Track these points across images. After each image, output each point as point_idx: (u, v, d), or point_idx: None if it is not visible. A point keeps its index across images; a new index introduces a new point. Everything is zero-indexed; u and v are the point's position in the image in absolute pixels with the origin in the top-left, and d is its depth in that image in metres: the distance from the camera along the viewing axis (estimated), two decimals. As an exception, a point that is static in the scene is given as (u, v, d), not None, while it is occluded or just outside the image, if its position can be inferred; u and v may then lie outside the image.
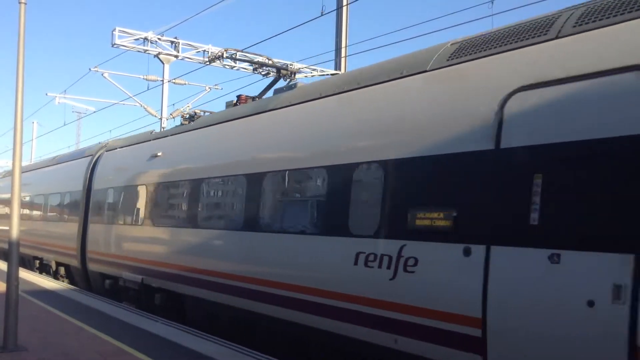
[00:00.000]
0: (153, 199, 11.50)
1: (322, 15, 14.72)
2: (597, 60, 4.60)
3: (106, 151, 15.06)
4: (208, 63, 19.75)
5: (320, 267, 6.93)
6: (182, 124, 12.36)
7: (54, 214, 17.28)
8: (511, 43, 5.60)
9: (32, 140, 41.17)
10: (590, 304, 4.20)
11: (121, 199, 12.89)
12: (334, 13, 22.85)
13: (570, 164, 4.57)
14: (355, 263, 6.29)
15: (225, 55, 14.37)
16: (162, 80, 21.45)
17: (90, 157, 15.58)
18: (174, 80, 21.86)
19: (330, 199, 6.94)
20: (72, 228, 15.26)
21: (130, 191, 12.53)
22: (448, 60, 6.22)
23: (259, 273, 7.96)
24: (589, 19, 4.96)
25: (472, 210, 5.24)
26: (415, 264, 5.63)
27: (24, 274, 15.13)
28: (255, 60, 13.34)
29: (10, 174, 23.74)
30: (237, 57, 14.25)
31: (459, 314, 5.16)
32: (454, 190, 5.47)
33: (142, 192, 11.94)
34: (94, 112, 53.25)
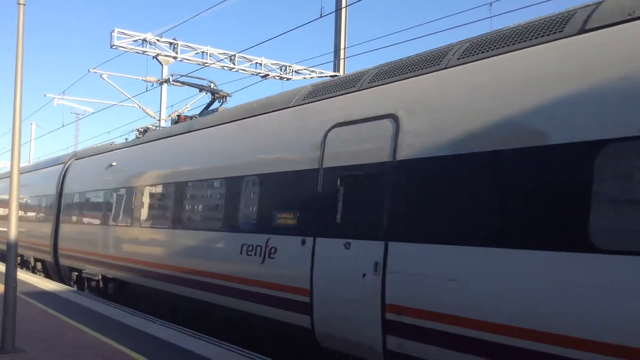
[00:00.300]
0: (107, 203, 13.37)
1: (321, 17, 14.75)
2: (374, 108, 6.65)
3: (75, 160, 16.93)
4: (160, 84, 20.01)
5: (219, 256, 8.90)
6: (137, 137, 14.29)
7: (33, 214, 18.83)
8: (337, 90, 7.66)
9: (31, 141, 41.17)
10: (363, 275, 6.11)
11: (84, 202, 14.91)
12: (333, 15, 22.88)
13: (353, 180, 6.56)
14: (240, 252, 8.17)
15: (171, 80, 16.42)
16: (161, 82, 21.45)
17: (62, 165, 17.43)
18: (172, 82, 21.87)
19: (228, 203, 8.92)
20: (47, 228, 16.90)
21: (90, 195, 14.54)
22: (304, 99, 8.23)
23: (179, 262, 9.96)
24: (376, 79, 7.10)
25: (306, 212, 7.19)
26: (275, 252, 7.52)
27: (23, 275, 15.09)
28: (194, 83, 14.22)
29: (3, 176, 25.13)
30: (182, 80, 15.58)
31: (298, 286, 7.01)
32: (297, 198, 7.42)
33: (100, 196, 13.86)
34: (93, 113, 53.23)
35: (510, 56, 5.54)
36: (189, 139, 10.95)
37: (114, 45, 19.79)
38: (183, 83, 15.46)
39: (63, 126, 63.61)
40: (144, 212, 11.74)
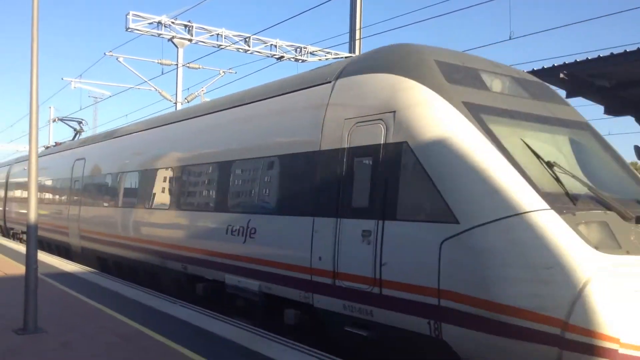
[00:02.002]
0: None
1: (336, -4, 14.61)
2: None
3: (15, 164, 25.52)
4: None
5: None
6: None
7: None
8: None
9: (49, 124, 41.49)
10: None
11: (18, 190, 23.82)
12: (348, -6, 22.64)
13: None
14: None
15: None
16: (177, 64, 21.45)
17: (7, 166, 26.85)
18: (188, 64, 21.84)
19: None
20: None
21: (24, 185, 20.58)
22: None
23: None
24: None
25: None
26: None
27: (43, 256, 15.30)
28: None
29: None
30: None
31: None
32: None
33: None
34: (110, 96, 53.39)
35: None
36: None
37: (129, 28, 19.77)
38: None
39: (80, 109, 64.11)
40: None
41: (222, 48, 21.74)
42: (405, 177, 6.23)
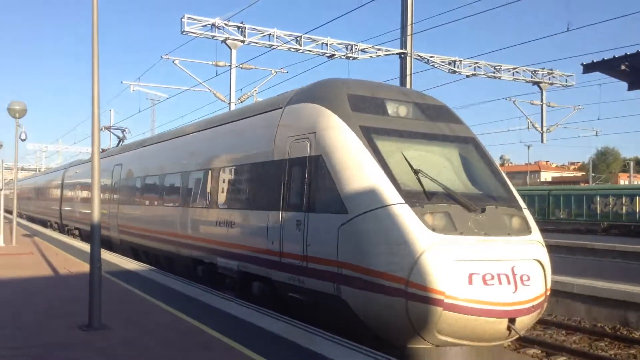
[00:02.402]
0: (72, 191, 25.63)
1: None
2: None
3: (69, 167, 30.01)
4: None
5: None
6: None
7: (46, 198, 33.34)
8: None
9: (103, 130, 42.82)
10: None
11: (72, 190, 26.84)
12: (399, -10, 22.41)
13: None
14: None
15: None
16: (230, 66, 21.79)
17: (63, 170, 31.06)
18: (241, 65, 22.16)
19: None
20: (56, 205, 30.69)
21: (77, 186, 25.62)
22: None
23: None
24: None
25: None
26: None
27: (106, 255, 15.87)
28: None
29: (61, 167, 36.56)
30: None
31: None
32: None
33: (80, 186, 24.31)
34: (167, 98, 54.76)
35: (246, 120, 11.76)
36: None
37: (184, 31, 20.24)
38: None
39: (139, 112, 66.55)
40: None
41: (274, 48, 21.96)
42: (320, 181, 8.37)
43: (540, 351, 10.05)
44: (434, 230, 7.21)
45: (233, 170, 11.49)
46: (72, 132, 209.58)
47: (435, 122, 9.23)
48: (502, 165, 38.21)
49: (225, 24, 21.00)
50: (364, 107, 8.84)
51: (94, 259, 7.61)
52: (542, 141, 35.11)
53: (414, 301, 6.92)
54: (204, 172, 12.57)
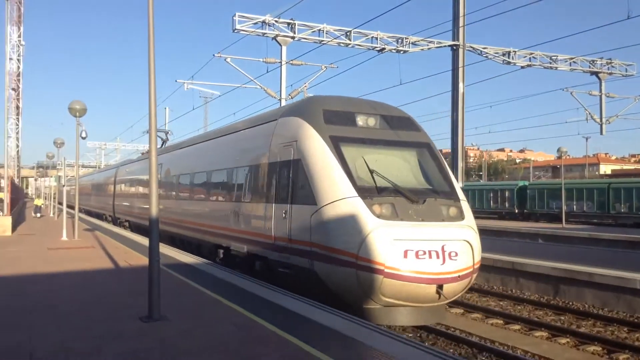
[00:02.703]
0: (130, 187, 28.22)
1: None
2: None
3: (121, 166, 34.09)
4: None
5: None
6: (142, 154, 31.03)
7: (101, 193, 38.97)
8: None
9: (165, 124, 43.96)
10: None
11: (123, 187, 30.67)
12: (451, -19, 22.05)
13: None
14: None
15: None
16: (280, 62, 21.95)
17: (115, 168, 36.02)
18: (291, 62, 22.29)
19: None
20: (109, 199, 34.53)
21: (127, 183, 29.62)
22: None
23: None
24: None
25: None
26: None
27: (163, 249, 16.31)
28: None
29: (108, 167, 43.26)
30: None
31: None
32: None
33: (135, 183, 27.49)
34: (219, 96, 55.69)
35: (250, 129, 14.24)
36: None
37: (235, 29, 20.53)
38: None
39: (193, 109, 68.03)
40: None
41: (323, 43, 22.00)
42: (299, 180, 10.59)
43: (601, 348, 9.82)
44: (379, 217, 9.36)
45: (241, 171, 13.82)
46: (129, 129, 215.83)
47: (398, 130, 11.31)
48: (559, 158, 37.06)
49: (276, 21, 21.17)
50: (336, 120, 10.91)
51: (153, 253, 7.84)
52: (601, 133, 33.88)
53: (362, 271, 9.18)
54: (219, 173, 15.40)
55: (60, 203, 45.40)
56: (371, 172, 10.06)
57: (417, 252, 9.13)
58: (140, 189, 26.14)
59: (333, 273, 9.66)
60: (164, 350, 6.23)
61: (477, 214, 46.18)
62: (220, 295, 9.57)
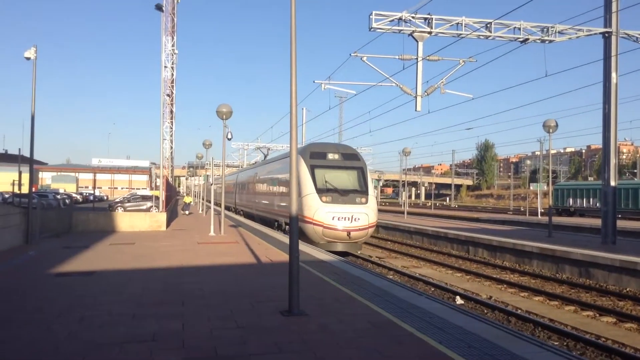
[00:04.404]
0: (246, 187, 41.50)
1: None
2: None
3: (239, 172, 49.05)
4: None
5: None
6: (265, 158, 51.28)
7: (230, 192, 50.42)
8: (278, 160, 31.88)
9: (303, 125, 45.32)
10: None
11: (239, 187, 46.07)
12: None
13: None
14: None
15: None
16: (417, 58, 21.64)
17: (237, 172, 51.65)
18: (427, 57, 21.89)
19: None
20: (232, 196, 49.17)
21: (240, 184, 45.41)
22: (264, 160, 43.85)
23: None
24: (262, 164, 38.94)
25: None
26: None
27: (301, 246, 16.84)
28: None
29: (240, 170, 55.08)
30: None
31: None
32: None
33: (249, 183, 39.91)
34: (355, 95, 56.30)
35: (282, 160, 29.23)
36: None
37: (372, 27, 20.55)
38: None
39: (329, 109, 69.55)
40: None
41: (462, 37, 21.33)
42: (299, 183, 20.20)
43: None
44: (324, 202, 21.24)
45: (278, 180, 27.45)
46: (269, 130, 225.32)
47: (346, 160, 22.92)
48: None
49: (413, 17, 20.88)
50: (315, 156, 22.55)
51: (293, 249, 8.07)
52: None
53: (315, 225, 20.96)
54: (274, 180, 28.47)
55: (209, 201, 49.64)
56: (325, 181, 21.90)
57: (339, 217, 21.07)
58: (247, 188, 39.92)
59: (304, 227, 21.27)
60: (305, 345, 6.38)
61: (631, 215, 42.34)
62: (356, 292, 9.64)
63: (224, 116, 20.64)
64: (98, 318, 7.65)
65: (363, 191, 21.62)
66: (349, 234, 20.60)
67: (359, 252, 22.14)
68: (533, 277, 17.35)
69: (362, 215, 20.93)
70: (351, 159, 22.69)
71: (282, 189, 26.18)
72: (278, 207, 26.60)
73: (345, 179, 21.92)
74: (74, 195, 61.09)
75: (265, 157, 44.33)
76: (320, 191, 21.02)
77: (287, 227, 21.39)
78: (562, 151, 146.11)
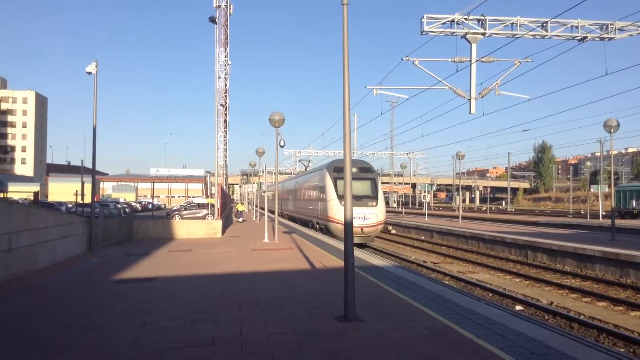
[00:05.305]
0: (289, 194, 48.91)
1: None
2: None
3: (284, 182, 57.21)
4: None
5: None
6: (306, 168, 57.00)
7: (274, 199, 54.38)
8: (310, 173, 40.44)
9: (354, 131, 45.32)
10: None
11: (282, 194, 55.38)
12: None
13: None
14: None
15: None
16: (470, 60, 21.30)
17: (283, 181, 59.75)
18: (481, 59, 21.51)
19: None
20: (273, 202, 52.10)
21: (284, 191, 53.76)
22: (304, 170, 51.18)
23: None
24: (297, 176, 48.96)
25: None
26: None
27: (356, 252, 16.76)
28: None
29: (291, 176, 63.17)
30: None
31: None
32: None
33: (292, 191, 47.25)
34: (407, 99, 55.88)
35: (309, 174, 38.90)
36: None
37: (424, 31, 20.38)
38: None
39: (381, 114, 69.20)
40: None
41: (517, 37, 20.87)
42: (325, 191, 29.24)
43: None
44: (342, 205, 18.25)
45: (307, 189, 35.73)
46: (321, 137, 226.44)
47: (362, 173, 28.73)
48: None
49: (465, 19, 20.59)
50: (337, 170, 28.30)
51: (348, 255, 8.05)
52: None
53: (336, 223, 27.31)
54: (307, 189, 35.58)
55: (262, 208, 51.55)
56: (340, 189, 27.39)
57: (354, 217, 23.11)
58: (290, 194, 45.94)
59: (328, 224, 28.01)
60: (361, 351, 6.34)
61: None
62: (412, 298, 9.52)
63: (277, 124, 20.85)
64: (159, 323, 7.85)
65: (374, 197, 27.98)
66: (362, 230, 26.74)
67: (371, 244, 29.28)
68: (596, 282, 16.74)
69: (373, 215, 27.11)
70: (366, 172, 28.95)
71: (314, 195, 33.39)
72: (311, 210, 33.98)
73: (360, 187, 27.81)
74: (133, 204, 62.92)
75: (305, 168, 52.30)
76: (340, 197, 27.06)
77: (318, 225, 31.15)
78: (623, 151, 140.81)
